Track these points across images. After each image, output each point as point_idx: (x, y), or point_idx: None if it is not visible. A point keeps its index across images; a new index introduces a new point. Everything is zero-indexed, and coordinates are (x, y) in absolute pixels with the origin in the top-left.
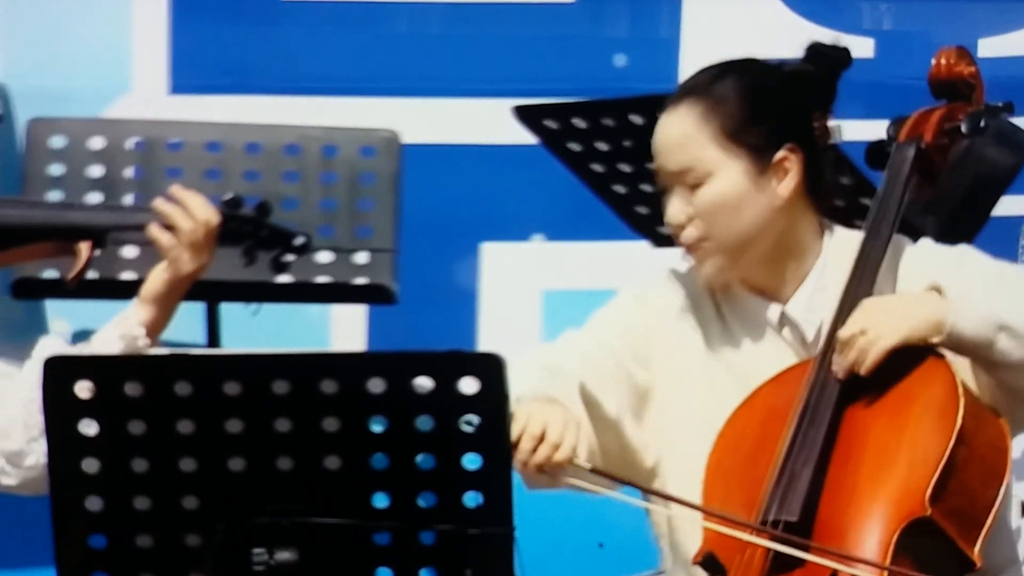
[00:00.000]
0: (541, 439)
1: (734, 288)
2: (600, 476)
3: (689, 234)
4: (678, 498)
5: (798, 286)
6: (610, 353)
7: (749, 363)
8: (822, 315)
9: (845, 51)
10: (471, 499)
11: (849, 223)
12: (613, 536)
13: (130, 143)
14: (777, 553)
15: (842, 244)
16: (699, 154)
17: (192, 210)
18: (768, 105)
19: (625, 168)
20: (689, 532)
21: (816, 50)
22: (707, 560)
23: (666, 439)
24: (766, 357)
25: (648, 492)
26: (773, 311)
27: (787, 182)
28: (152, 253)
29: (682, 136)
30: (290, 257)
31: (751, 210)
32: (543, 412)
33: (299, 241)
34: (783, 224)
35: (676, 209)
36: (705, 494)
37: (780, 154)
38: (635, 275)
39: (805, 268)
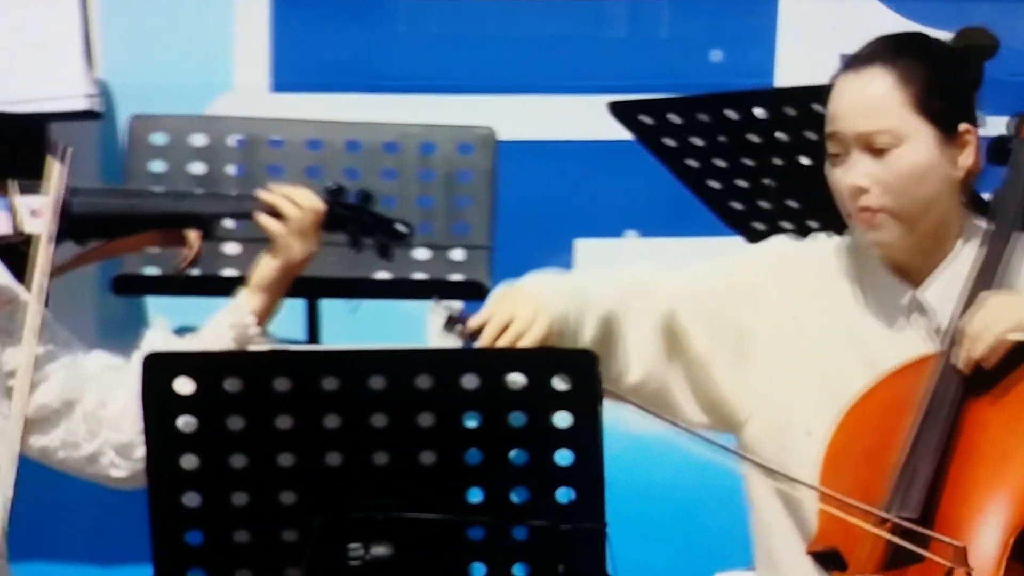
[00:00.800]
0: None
1: (875, 266)
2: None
3: (870, 199)
4: (815, 486)
5: (934, 271)
6: (715, 295)
7: (878, 346)
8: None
9: (994, 38)
10: (563, 495)
11: None
12: (705, 531)
13: (232, 140)
14: (895, 550)
15: (976, 234)
16: (895, 118)
17: (298, 199)
18: (951, 79)
19: (720, 163)
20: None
21: (966, 35)
22: (827, 553)
23: (768, 400)
24: (896, 342)
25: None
26: (907, 295)
27: (966, 156)
28: (252, 249)
29: (879, 98)
30: (394, 243)
31: (935, 180)
32: (513, 302)
33: (401, 228)
34: (948, 200)
35: (859, 172)
36: (823, 481)
37: (963, 126)
38: None
39: (943, 253)
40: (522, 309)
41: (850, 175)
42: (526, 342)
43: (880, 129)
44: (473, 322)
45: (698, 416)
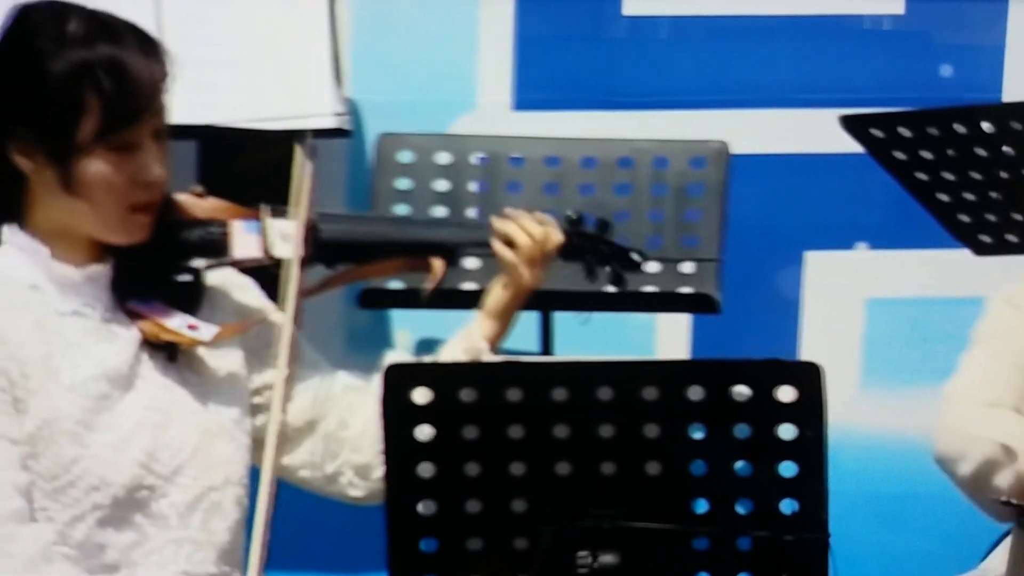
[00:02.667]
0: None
1: None
2: None
3: None
4: None
5: None
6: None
7: None
8: None
9: None
10: (787, 506)
11: None
12: (927, 540)
13: (474, 158)
14: None
15: None
16: None
17: (530, 228)
18: None
19: (948, 177)
20: None
21: None
22: None
23: None
24: None
25: None
26: None
27: None
28: (492, 264)
29: None
30: (627, 273)
31: None
32: None
33: (636, 257)
34: None
35: None
36: None
37: None
38: (957, 283)
39: None
40: None
41: None
42: None
43: None
44: None
45: None
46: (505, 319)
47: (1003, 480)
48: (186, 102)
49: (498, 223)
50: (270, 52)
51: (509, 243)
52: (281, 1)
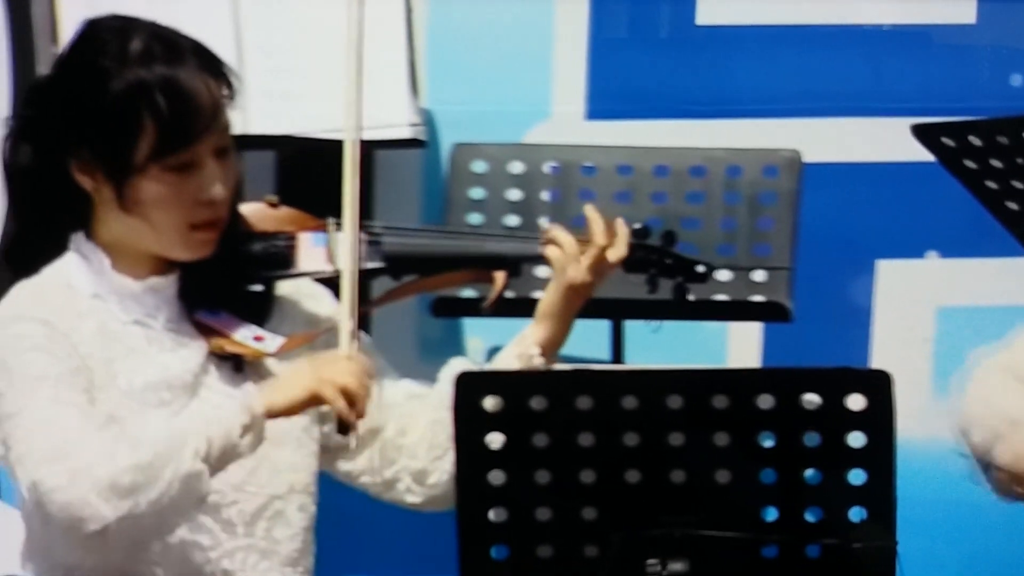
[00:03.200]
0: None
1: None
2: None
3: None
4: None
5: None
6: None
7: None
8: None
9: None
10: (855, 513)
11: None
12: (994, 548)
13: (547, 167)
14: None
15: None
16: None
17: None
18: None
19: (1018, 185)
20: None
21: None
22: None
23: None
24: None
25: None
26: None
27: None
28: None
29: None
30: (692, 285)
31: None
32: None
33: (701, 269)
34: None
35: None
36: None
37: None
38: None
39: None
40: None
41: None
42: None
43: None
44: None
45: None
46: (559, 322)
47: (1003, 455)
48: (264, 112)
49: (554, 233)
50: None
51: (553, 242)
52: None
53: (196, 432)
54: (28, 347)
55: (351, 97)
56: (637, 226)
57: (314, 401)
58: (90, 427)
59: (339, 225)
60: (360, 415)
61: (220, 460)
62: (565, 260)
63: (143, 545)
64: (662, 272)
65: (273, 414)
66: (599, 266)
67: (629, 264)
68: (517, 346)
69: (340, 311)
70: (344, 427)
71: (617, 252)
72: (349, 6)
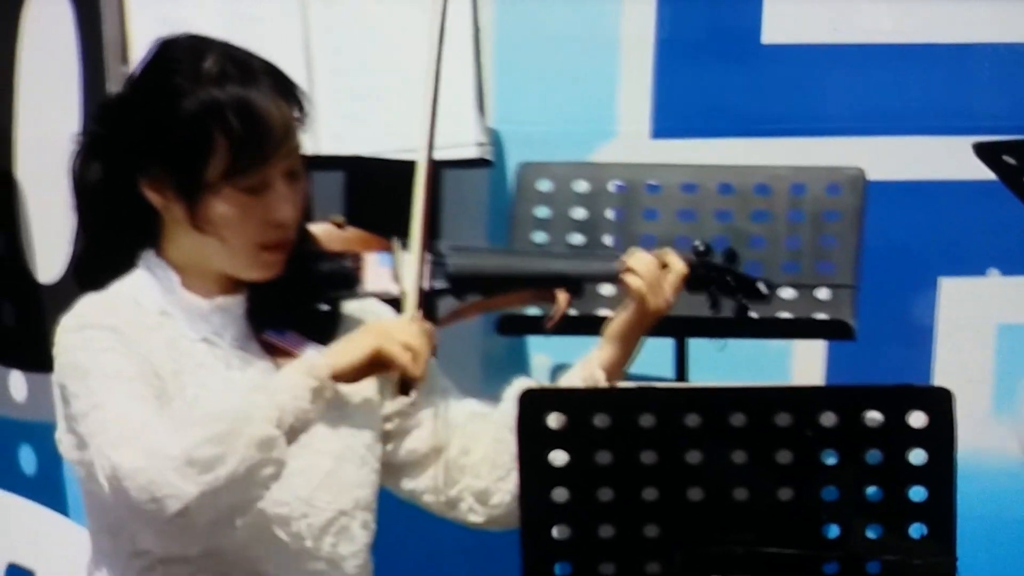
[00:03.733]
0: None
1: None
2: None
3: None
4: None
5: None
6: None
7: None
8: None
9: None
10: (916, 530)
11: None
12: None
13: (612, 186)
14: None
15: None
16: None
17: (644, 258)
18: None
19: None
20: None
21: None
22: None
23: None
24: None
25: None
26: None
27: None
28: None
29: None
30: (754, 305)
31: None
32: None
33: (763, 289)
34: None
35: None
36: None
37: None
38: None
39: None
40: None
41: None
42: None
43: None
44: None
45: None
46: (626, 345)
47: None
48: (333, 133)
49: (627, 256)
50: (416, 84)
51: (633, 271)
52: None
53: (266, 400)
54: (101, 348)
55: (424, 118)
56: (700, 245)
57: (377, 359)
58: (164, 417)
59: (404, 245)
60: (422, 375)
61: (293, 427)
62: (644, 288)
63: (225, 528)
64: (724, 291)
65: (339, 377)
66: (676, 293)
67: (691, 283)
68: (583, 369)
69: (406, 278)
70: (406, 386)
71: (679, 268)
72: (430, 33)
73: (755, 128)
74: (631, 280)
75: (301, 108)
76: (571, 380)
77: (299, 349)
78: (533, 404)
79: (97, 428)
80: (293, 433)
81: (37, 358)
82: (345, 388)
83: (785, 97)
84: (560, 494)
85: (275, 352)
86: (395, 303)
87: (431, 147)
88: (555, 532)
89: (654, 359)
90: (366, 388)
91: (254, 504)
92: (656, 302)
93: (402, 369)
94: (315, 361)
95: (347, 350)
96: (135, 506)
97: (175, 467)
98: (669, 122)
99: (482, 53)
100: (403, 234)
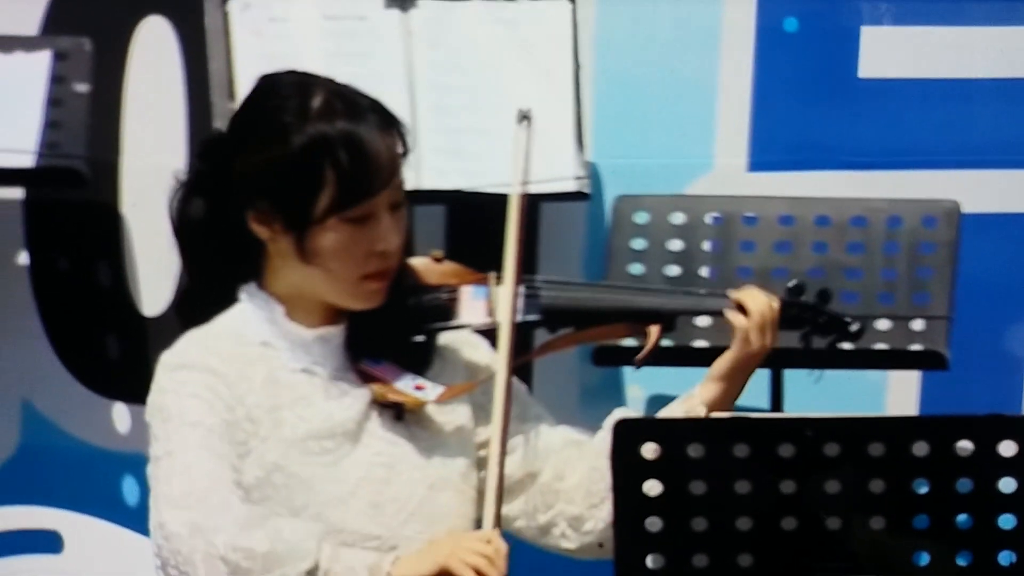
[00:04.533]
0: None
1: None
2: None
3: None
4: None
5: None
6: None
7: None
8: None
9: None
10: (1005, 557)
11: None
12: None
13: (708, 218)
14: None
15: None
16: None
17: (757, 297)
18: None
19: None
20: None
21: None
22: None
23: None
24: None
25: None
26: None
27: None
28: (722, 323)
29: None
30: (846, 344)
31: None
32: None
33: (854, 328)
34: None
35: None
36: None
37: None
38: None
39: None
40: None
41: None
42: None
43: None
44: None
45: None
46: (732, 383)
47: None
48: (435, 168)
49: (734, 292)
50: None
51: (742, 309)
52: (529, 69)
53: (325, 555)
54: (188, 393)
55: (518, 153)
56: (792, 284)
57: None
58: (228, 483)
59: (500, 279)
60: None
61: None
62: (751, 327)
63: None
64: (816, 330)
65: None
66: (774, 328)
67: (784, 321)
68: (685, 403)
69: (500, 311)
70: None
71: (772, 303)
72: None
73: (851, 161)
74: (733, 317)
75: (404, 143)
76: (671, 414)
77: (394, 379)
78: (628, 433)
79: (162, 478)
80: None
81: (141, 391)
82: (438, 416)
83: (881, 130)
84: (654, 523)
85: (371, 381)
86: (490, 334)
87: (525, 182)
88: (649, 562)
89: (750, 390)
90: (460, 415)
91: None
92: (763, 341)
93: None
94: (383, 564)
95: (416, 561)
96: (162, 560)
97: (206, 555)
98: (766, 155)
99: (582, 88)
100: (502, 267)
